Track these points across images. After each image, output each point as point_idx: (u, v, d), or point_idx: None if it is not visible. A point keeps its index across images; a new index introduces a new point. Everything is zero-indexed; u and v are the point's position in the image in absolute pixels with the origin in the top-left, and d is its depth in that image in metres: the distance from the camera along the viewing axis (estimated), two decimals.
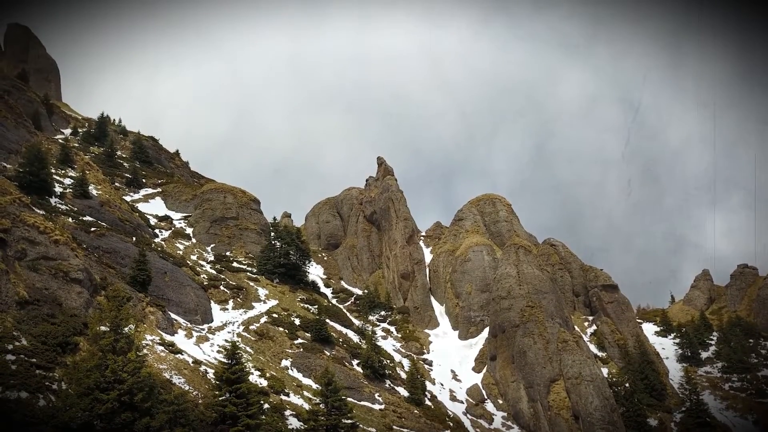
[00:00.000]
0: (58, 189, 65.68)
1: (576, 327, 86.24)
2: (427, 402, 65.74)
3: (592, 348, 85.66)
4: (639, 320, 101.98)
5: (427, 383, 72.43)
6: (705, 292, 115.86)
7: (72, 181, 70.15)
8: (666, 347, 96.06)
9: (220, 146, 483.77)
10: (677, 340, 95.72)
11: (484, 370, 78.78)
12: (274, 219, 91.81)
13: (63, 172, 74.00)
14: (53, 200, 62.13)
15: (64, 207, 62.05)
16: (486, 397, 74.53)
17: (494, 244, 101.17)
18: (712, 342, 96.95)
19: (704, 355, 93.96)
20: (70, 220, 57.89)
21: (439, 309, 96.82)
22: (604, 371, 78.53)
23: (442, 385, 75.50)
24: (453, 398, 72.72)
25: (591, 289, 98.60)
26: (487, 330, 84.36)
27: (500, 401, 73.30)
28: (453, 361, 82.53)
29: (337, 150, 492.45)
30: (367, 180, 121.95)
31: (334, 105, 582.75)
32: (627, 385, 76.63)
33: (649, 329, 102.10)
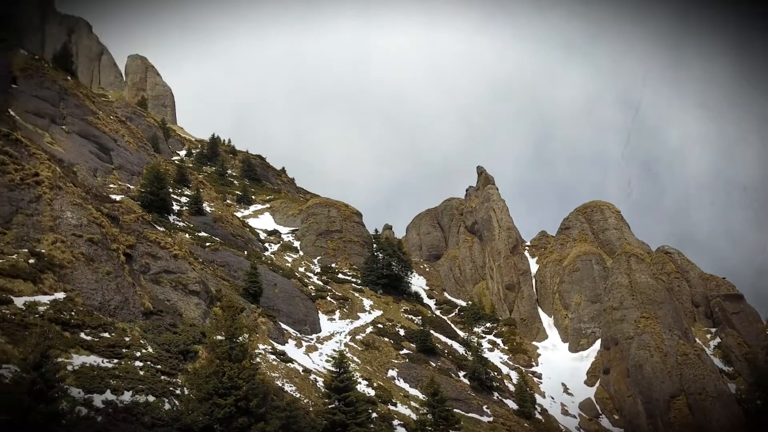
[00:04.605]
0: (175, 207, 69.85)
1: (697, 339, 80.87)
2: (537, 415, 63.73)
3: (717, 362, 79.82)
4: None
5: (537, 396, 70.26)
6: None
7: (188, 199, 74.42)
8: None
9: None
10: None
11: (597, 384, 75.42)
12: (376, 231, 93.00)
13: (180, 191, 78.71)
14: (172, 217, 66.13)
15: (181, 224, 65.87)
16: (600, 412, 71.26)
17: (603, 253, 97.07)
18: None
19: None
20: (187, 236, 61.34)
21: (547, 321, 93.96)
22: (732, 387, 72.98)
23: (552, 398, 73.01)
24: (565, 412, 70.08)
25: (712, 299, 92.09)
26: (599, 342, 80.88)
27: (616, 416, 69.83)
28: (563, 374, 79.61)
29: (337, 151, 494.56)
30: (467, 190, 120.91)
31: (334, 106, 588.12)
32: (759, 402, 70.70)
33: None
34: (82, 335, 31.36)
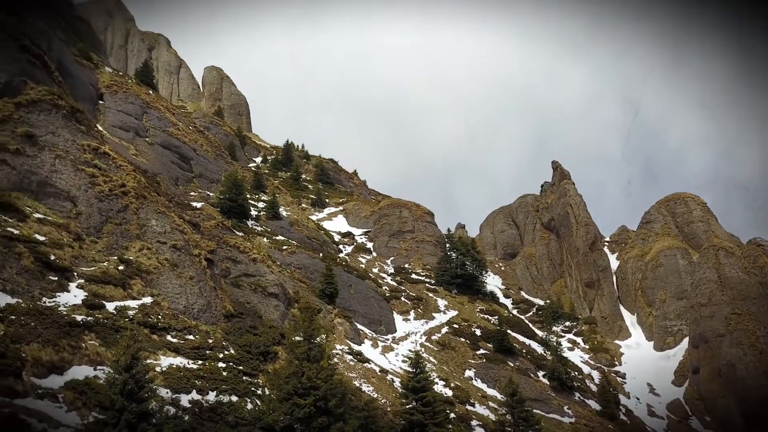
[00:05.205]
0: (253, 212, 71.95)
1: None
2: (622, 416, 61.62)
3: None
4: None
5: (621, 397, 67.95)
6: None
7: (265, 204, 76.50)
8: None
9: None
10: None
11: (686, 384, 72.14)
12: (449, 230, 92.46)
13: (257, 196, 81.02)
14: (250, 222, 68.15)
15: (259, 228, 67.77)
16: (690, 413, 68.10)
17: (689, 247, 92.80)
18: None
19: None
20: (264, 240, 63.05)
21: (629, 318, 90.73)
22: None
23: (637, 399, 70.38)
24: (651, 413, 67.41)
25: None
26: (686, 340, 77.38)
27: (707, 418, 66.53)
28: (649, 374, 76.59)
29: (336, 151, 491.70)
30: (542, 185, 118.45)
31: (333, 104, 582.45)
32: None
33: None
34: (169, 338, 32.80)
